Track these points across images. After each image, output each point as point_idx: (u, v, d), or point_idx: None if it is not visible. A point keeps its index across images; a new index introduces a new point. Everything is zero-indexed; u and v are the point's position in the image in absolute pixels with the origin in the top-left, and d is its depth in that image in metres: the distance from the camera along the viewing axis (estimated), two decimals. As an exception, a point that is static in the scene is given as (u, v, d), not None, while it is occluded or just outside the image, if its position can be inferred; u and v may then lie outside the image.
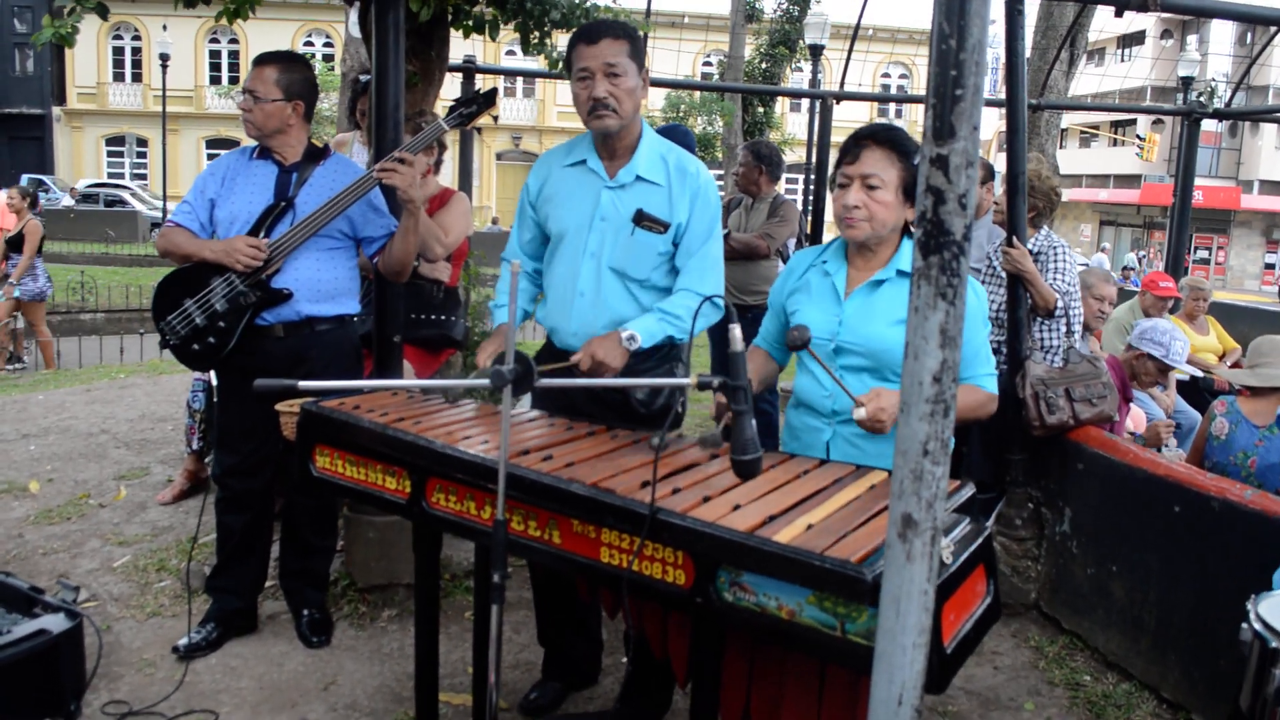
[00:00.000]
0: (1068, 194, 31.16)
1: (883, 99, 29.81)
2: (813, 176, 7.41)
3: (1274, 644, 1.80)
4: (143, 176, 31.89)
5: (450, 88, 4.60)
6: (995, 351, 3.72)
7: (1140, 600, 3.12)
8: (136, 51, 32.67)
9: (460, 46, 4.53)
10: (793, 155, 17.33)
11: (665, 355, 2.57)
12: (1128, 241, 34.57)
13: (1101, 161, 36.55)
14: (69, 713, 2.56)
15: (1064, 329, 3.74)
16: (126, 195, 25.93)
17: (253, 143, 2.99)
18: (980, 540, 1.78)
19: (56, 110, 32.38)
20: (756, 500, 1.78)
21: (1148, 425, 4.24)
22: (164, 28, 25.56)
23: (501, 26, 3.72)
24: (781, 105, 24.48)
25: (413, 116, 3.41)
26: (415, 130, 3.18)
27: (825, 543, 1.57)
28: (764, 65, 17.40)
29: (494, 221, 27.46)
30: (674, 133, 3.82)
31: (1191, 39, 31.92)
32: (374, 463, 2.16)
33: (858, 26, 7.17)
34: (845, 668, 1.70)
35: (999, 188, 4.12)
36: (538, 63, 4.12)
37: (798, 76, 21.85)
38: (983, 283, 3.91)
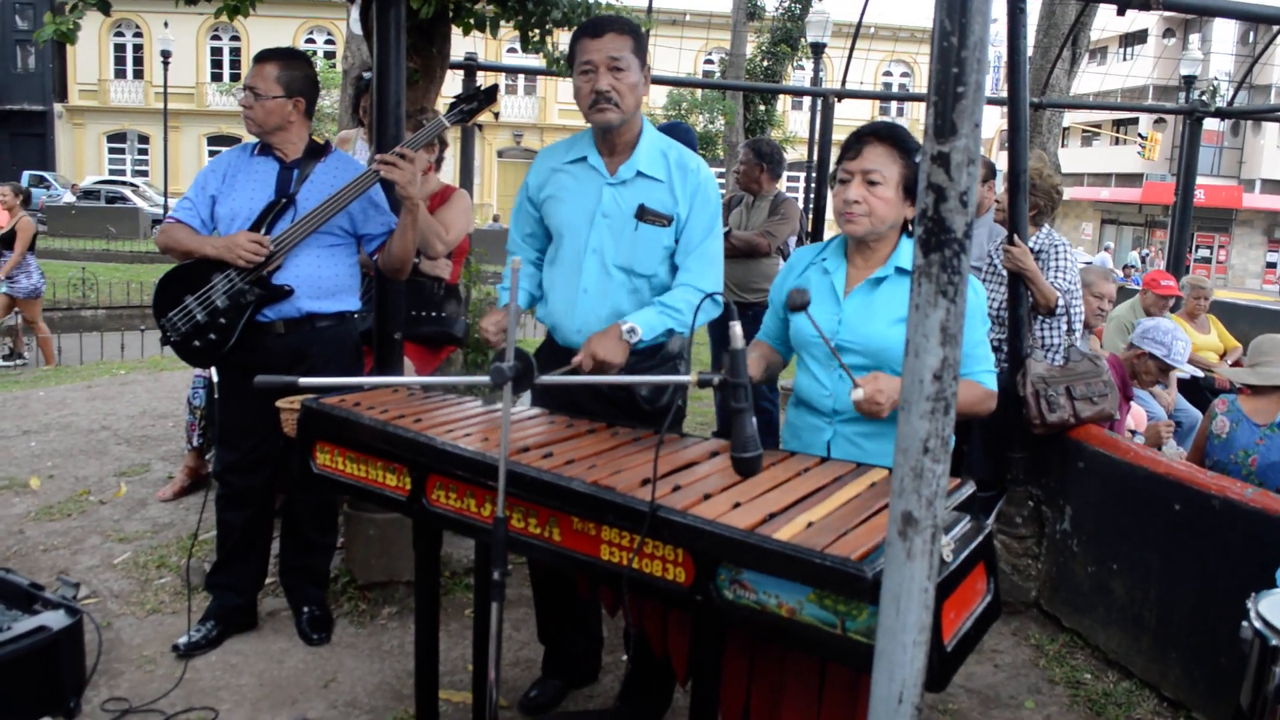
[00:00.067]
0: (1069, 192, 31.17)
1: (884, 97, 29.82)
2: (814, 174, 7.40)
3: (1274, 642, 1.80)
4: (144, 173, 31.90)
5: (451, 85, 4.60)
6: (996, 350, 3.73)
7: (1141, 598, 3.12)
8: (138, 48, 32.69)
9: (461, 44, 4.52)
10: (794, 153, 17.32)
11: (667, 353, 2.57)
12: (1129, 240, 34.56)
13: (1103, 160, 36.53)
14: (69, 710, 2.57)
15: (1065, 327, 3.74)
16: (128, 191, 25.94)
17: (254, 139, 2.99)
18: (980, 538, 1.78)
19: (58, 107, 32.39)
20: (757, 498, 1.77)
21: (1148, 425, 4.24)
22: (165, 24, 25.57)
23: (502, 25, 3.71)
24: (783, 103, 24.47)
25: (414, 113, 3.40)
26: (416, 127, 3.17)
27: (825, 540, 1.57)
28: (765, 63, 17.40)
29: (495, 219, 27.46)
30: (676, 130, 3.82)
31: (1194, 38, 31.89)
32: (374, 459, 2.16)
33: (859, 24, 7.17)
34: (845, 666, 1.70)
35: (1000, 186, 4.12)
36: (539, 60, 4.12)
37: (799, 74, 21.85)
38: (984, 281, 3.91)
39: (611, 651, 3.02)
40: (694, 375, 1.76)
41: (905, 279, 2.16)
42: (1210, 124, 7.66)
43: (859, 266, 2.25)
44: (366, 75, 4.02)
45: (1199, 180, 8.01)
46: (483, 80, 5.98)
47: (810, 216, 6.69)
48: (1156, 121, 31.82)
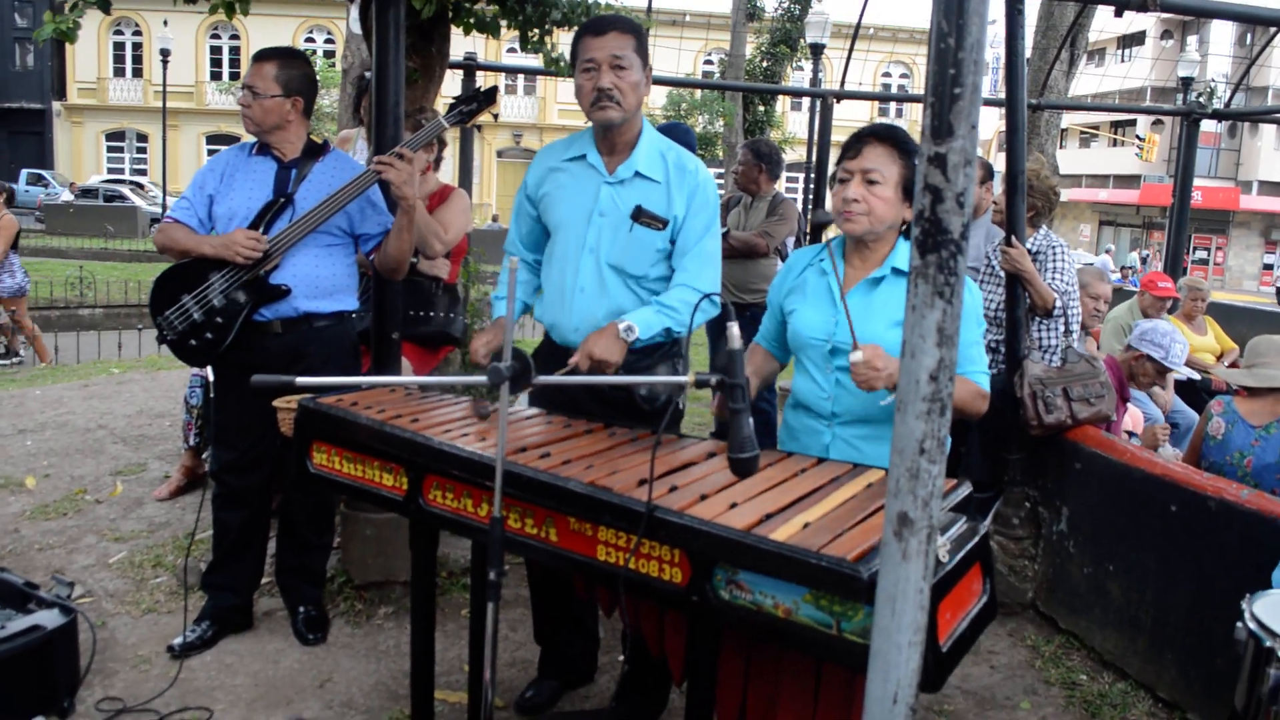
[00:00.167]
0: (1067, 194, 31.21)
1: (883, 98, 29.84)
2: (813, 175, 7.41)
3: (1269, 643, 1.80)
4: (143, 172, 31.87)
5: (451, 84, 4.59)
6: (994, 351, 3.73)
7: (1137, 599, 3.13)
8: (137, 47, 32.66)
9: (461, 43, 4.52)
10: (793, 154, 17.35)
11: (666, 353, 2.57)
12: (1127, 241, 34.61)
13: (1101, 162, 36.58)
14: (63, 709, 2.56)
15: (1062, 328, 3.74)
16: (127, 189, 25.90)
17: (252, 139, 2.99)
18: (977, 539, 1.78)
19: (57, 105, 32.36)
20: (753, 498, 1.77)
21: (1144, 429, 4.24)
22: (165, 23, 25.58)
23: (502, 25, 3.71)
24: (782, 104, 24.48)
25: (413, 113, 3.40)
26: (415, 127, 3.17)
27: (822, 541, 1.57)
28: (765, 64, 17.41)
29: (494, 219, 27.46)
30: (675, 131, 3.82)
31: (1191, 39, 31.94)
32: (371, 459, 2.16)
33: (858, 26, 7.17)
34: (841, 666, 1.70)
35: (998, 187, 4.13)
36: (538, 60, 4.12)
37: (798, 75, 21.87)
38: (981, 282, 3.91)
39: (608, 652, 3.01)
40: (691, 376, 1.76)
41: (902, 280, 2.16)
42: (1208, 126, 7.68)
43: (856, 267, 2.25)
44: (368, 75, 4.02)
45: (1196, 182, 8.03)
46: (482, 81, 5.97)
47: (809, 217, 6.69)
48: (1154, 123, 31.88)
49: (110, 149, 33.20)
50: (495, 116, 3.51)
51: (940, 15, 1.07)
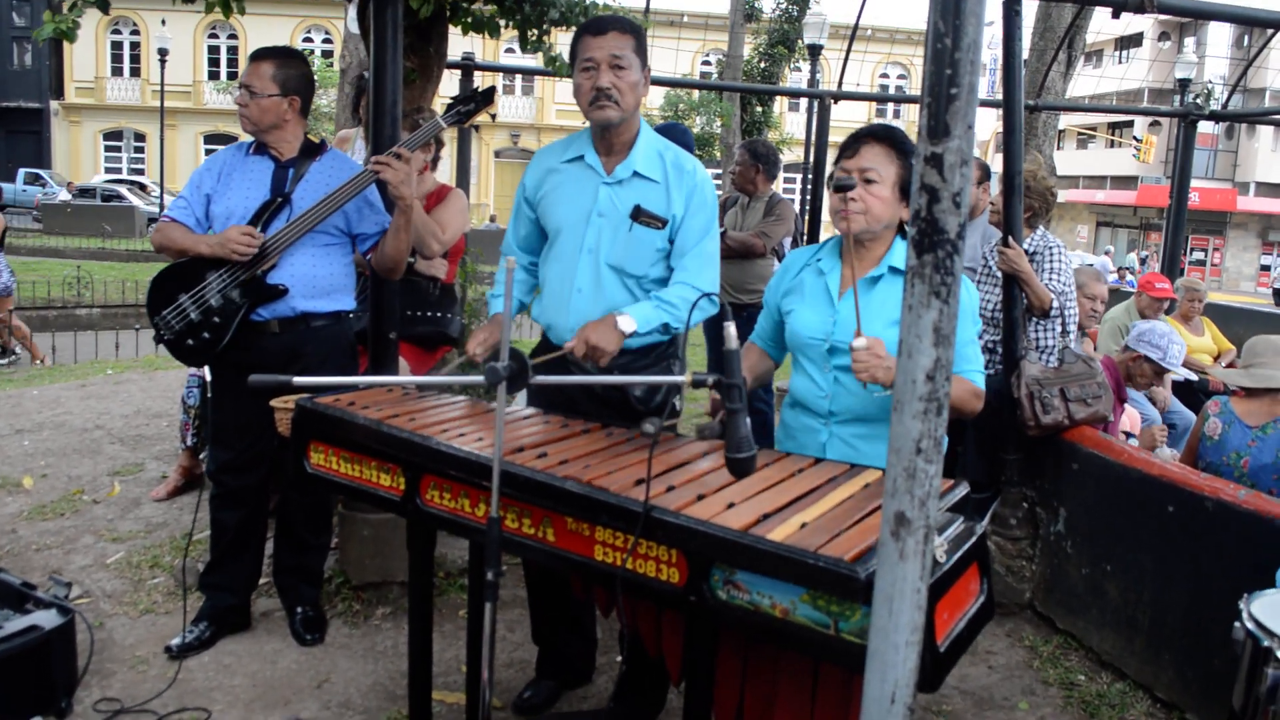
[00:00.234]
0: (1064, 195, 31.25)
1: (881, 99, 29.86)
2: (810, 176, 7.41)
3: (1266, 643, 1.80)
4: (140, 171, 31.84)
5: (449, 84, 4.59)
6: (991, 351, 3.74)
7: (1134, 600, 3.13)
8: (135, 46, 32.60)
9: (459, 43, 4.52)
10: (791, 154, 17.32)
11: (662, 353, 2.57)
12: (1125, 242, 34.64)
13: (1098, 163, 36.62)
14: (60, 710, 2.56)
15: (1059, 329, 3.75)
16: (125, 190, 25.86)
17: (250, 138, 2.99)
18: (974, 539, 1.78)
19: (54, 104, 32.31)
20: (750, 498, 1.77)
21: (1142, 429, 4.24)
22: (163, 23, 25.53)
23: (501, 25, 3.71)
24: (780, 105, 24.49)
25: (410, 113, 3.40)
26: (413, 127, 3.17)
27: (819, 541, 1.57)
28: (762, 65, 17.40)
29: (492, 219, 27.45)
30: (672, 131, 3.82)
31: (1189, 41, 31.96)
32: (368, 459, 2.16)
33: (856, 26, 7.17)
34: (838, 666, 1.70)
35: (995, 188, 4.13)
36: (536, 60, 4.12)
37: (796, 76, 21.85)
38: (978, 283, 3.92)
39: (605, 652, 3.01)
40: (688, 375, 1.76)
41: (899, 279, 2.16)
42: (1205, 127, 7.70)
43: (853, 266, 2.25)
44: (366, 75, 4.02)
45: (1193, 183, 8.04)
46: (480, 81, 5.97)
47: (806, 218, 6.70)
48: (1151, 124, 31.90)
49: (108, 148, 33.15)
50: (493, 117, 3.52)
51: (937, 16, 1.07)
